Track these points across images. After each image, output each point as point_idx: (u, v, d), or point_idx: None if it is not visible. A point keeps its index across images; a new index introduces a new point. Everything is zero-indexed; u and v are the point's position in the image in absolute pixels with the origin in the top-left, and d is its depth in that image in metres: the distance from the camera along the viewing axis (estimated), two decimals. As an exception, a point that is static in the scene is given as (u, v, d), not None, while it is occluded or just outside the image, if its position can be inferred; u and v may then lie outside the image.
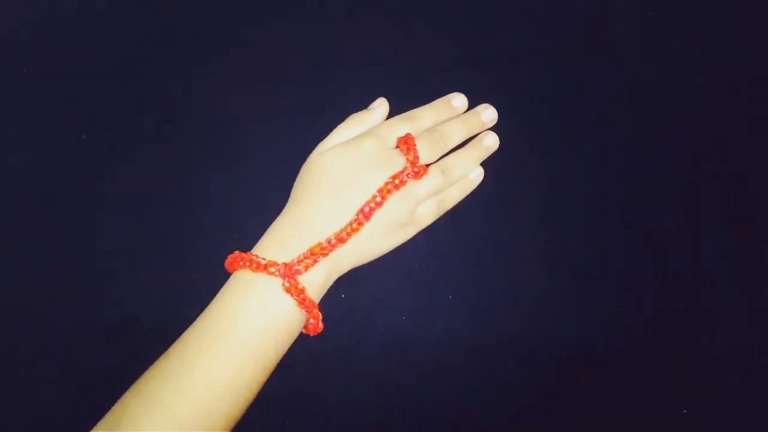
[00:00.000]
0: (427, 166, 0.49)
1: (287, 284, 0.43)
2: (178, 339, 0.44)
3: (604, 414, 0.51)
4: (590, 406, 0.51)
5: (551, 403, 0.52)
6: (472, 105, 0.54)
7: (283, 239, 0.46)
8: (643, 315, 0.53)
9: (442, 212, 0.51)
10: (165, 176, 0.54)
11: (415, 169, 0.47)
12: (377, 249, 0.49)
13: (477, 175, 0.53)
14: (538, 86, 0.56)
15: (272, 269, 0.44)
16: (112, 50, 0.57)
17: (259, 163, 0.54)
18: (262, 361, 0.43)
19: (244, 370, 0.43)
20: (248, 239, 0.48)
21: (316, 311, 0.45)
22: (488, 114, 0.54)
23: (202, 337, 0.43)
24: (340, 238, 0.45)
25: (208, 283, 0.46)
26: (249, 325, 0.43)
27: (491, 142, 0.53)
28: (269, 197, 0.51)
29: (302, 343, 0.47)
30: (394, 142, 0.49)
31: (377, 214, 0.46)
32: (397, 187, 0.47)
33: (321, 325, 0.46)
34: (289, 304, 0.44)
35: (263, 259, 0.44)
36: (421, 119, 0.51)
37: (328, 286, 0.47)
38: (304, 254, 0.44)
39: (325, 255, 0.45)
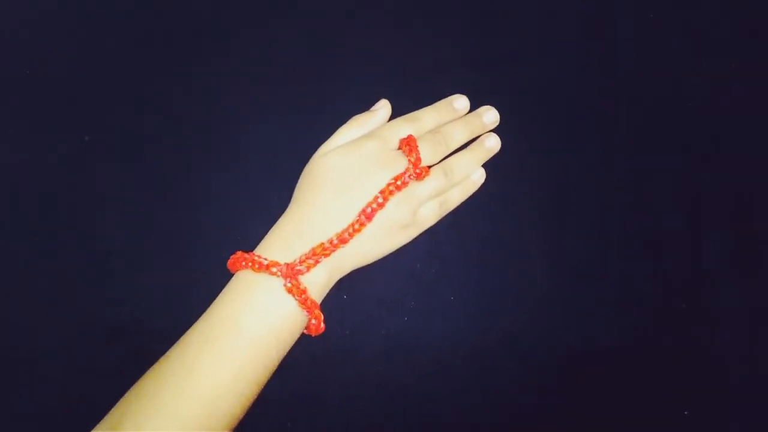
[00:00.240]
0: (429, 167, 0.49)
1: (289, 285, 0.44)
2: (180, 339, 0.44)
3: (605, 414, 0.52)
4: (591, 406, 0.52)
5: (552, 404, 0.52)
6: (473, 106, 0.54)
7: (285, 240, 0.46)
8: (644, 315, 0.53)
9: (444, 213, 0.51)
10: (167, 177, 0.54)
11: (417, 171, 0.47)
12: (379, 250, 0.49)
13: (479, 177, 0.53)
14: (539, 87, 0.56)
15: (274, 269, 0.44)
16: (115, 51, 0.57)
17: (261, 164, 0.55)
18: (264, 362, 0.44)
19: (245, 371, 0.43)
20: (250, 240, 0.48)
21: (317, 312, 0.45)
22: (490, 116, 0.54)
23: (204, 337, 0.43)
24: (342, 239, 0.45)
25: (209, 284, 0.46)
26: (251, 325, 0.43)
27: (493, 144, 0.53)
28: (271, 198, 0.52)
29: (304, 344, 0.47)
30: (396, 143, 0.49)
31: (379, 215, 0.47)
32: (399, 188, 0.47)
33: (323, 325, 0.46)
34: (291, 304, 0.44)
35: (265, 259, 0.44)
36: (423, 121, 0.51)
37: (330, 287, 0.47)
38: (306, 255, 0.44)
39: (327, 255, 0.45)
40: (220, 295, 0.45)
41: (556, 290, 0.53)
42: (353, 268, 0.48)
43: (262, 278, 0.44)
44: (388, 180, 0.47)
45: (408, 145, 0.48)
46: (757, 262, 0.54)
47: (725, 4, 0.58)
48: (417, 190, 0.48)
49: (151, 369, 0.43)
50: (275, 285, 0.44)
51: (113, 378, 0.44)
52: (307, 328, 0.46)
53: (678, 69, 0.57)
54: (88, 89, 0.56)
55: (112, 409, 0.42)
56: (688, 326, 0.53)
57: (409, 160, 0.48)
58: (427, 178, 0.48)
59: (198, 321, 0.44)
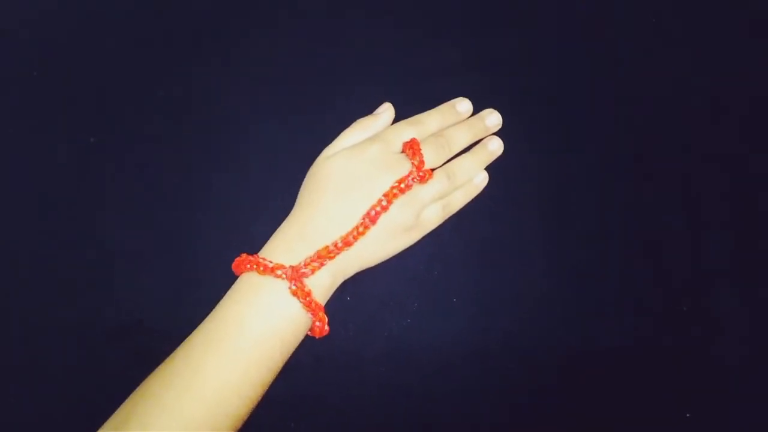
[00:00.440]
0: (433, 170, 0.49)
1: (294, 287, 0.44)
2: (185, 340, 0.44)
3: (605, 414, 0.52)
4: (591, 406, 0.52)
5: (552, 404, 0.52)
6: (476, 109, 0.54)
7: (289, 242, 0.46)
8: (644, 315, 0.53)
9: (447, 216, 0.52)
10: (171, 178, 0.54)
11: (421, 174, 0.48)
12: (383, 252, 0.49)
13: (482, 180, 0.53)
14: (540, 90, 0.57)
15: (279, 272, 0.44)
16: (121, 53, 0.57)
17: (264, 166, 0.55)
18: (268, 363, 0.44)
19: (250, 372, 0.43)
20: (254, 242, 0.48)
21: (322, 314, 0.45)
22: (493, 119, 0.54)
23: (209, 338, 0.43)
24: (347, 242, 0.46)
25: (211, 285, 0.47)
26: (256, 327, 0.43)
27: (496, 147, 0.54)
28: (275, 200, 0.52)
29: (307, 345, 0.47)
30: (399, 146, 0.50)
31: (383, 218, 0.47)
32: (402, 191, 0.47)
33: (327, 327, 0.46)
34: (296, 306, 0.44)
35: (270, 262, 0.45)
36: (426, 124, 0.51)
37: (334, 289, 0.48)
38: (310, 257, 0.45)
39: (331, 258, 0.45)
40: (225, 296, 0.46)
41: (556, 291, 0.53)
42: (357, 271, 0.49)
43: (267, 281, 0.44)
44: (392, 183, 0.47)
45: (411, 148, 0.48)
46: (757, 262, 0.54)
47: (726, 6, 0.59)
48: (420, 193, 0.49)
49: (156, 369, 0.43)
50: (280, 287, 0.44)
51: (114, 379, 0.44)
52: (311, 329, 0.46)
53: (678, 69, 0.57)
54: (94, 91, 0.56)
55: (118, 409, 0.42)
56: (688, 326, 0.53)
57: (412, 163, 0.48)
58: (430, 181, 0.49)
59: (203, 322, 0.45)
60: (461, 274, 0.53)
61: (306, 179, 0.50)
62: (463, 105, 0.54)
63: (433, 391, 0.52)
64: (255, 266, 0.45)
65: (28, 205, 0.54)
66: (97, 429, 0.41)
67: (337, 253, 0.46)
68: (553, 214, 0.55)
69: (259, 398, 0.44)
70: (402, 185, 0.47)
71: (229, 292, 0.46)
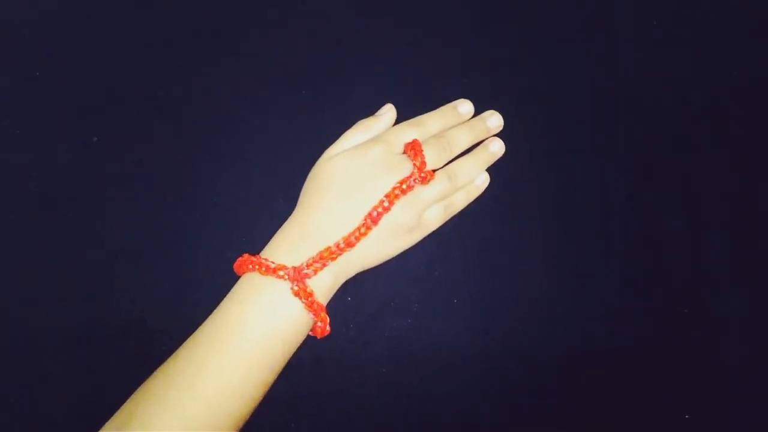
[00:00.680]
0: (434, 171, 0.49)
1: (296, 288, 0.44)
2: (187, 340, 0.44)
3: (605, 414, 0.52)
4: (591, 406, 0.52)
5: (553, 404, 0.52)
6: (478, 111, 0.54)
7: (291, 243, 0.46)
8: (644, 316, 0.53)
9: (448, 217, 0.52)
10: (174, 178, 0.54)
11: (422, 175, 0.48)
12: (384, 253, 0.49)
13: (483, 181, 0.53)
14: (541, 91, 0.57)
15: (281, 273, 0.44)
16: (124, 53, 0.57)
17: (266, 167, 0.55)
18: (270, 363, 0.44)
19: (252, 372, 0.43)
20: (255, 242, 0.48)
21: (323, 314, 0.46)
22: (494, 120, 0.54)
23: (211, 338, 0.44)
24: (349, 243, 0.46)
25: (214, 286, 0.47)
26: (258, 327, 0.43)
27: (497, 148, 0.54)
28: (277, 200, 0.52)
29: (309, 345, 0.47)
30: (401, 147, 0.50)
31: (385, 219, 0.47)
32: (404, 192, 0.47)
33: (328, 328, 0.46)
34: (298, 307, 0.44)
35: (272, 262, 0.45)
36: (427, 125, 0.52)
37: (336, 290, 0.48)
38: (312, 258, 0.45)
39: (333, 259, 0.45)
40: (227, 297, 0.46)
41: (557, 291, 0.53)
42: (358, 271, 0.49)
43: (269, 281, 0.44)
44: (394, 184, 0.47)
45: (413, 149, 0.49)
46: (757, 263, 0.54)
47: (727, 7, 0.59)
48: (422, 193, 0.49)
49: (158, 369, 0.43)
50: (282, 288, 0.44)
51: (115, 379, 0.44)
52: (312, 330, 0.47)
53: (678, 69, 0.58)
54: (95, 91, 0.56)
55: (120, 409, 0.42)
56: (688, 327, 0.53)
57: (414, 164, 0.48)
58: (432, 182, 0.49)
59: (205, 322, 0.45)
60: (462, 275, 0.54)
61: (308, 180, 0.50)
62: (464, 106, 0.54)
63: (433, 391, 0.52)
64: (257, 267, 0.45)
65: (28, 204, 0.54)
66: (99, 429, 0.41)
67: (339, 254, 0.46)
68: (553, 215, 0.55)
69: (261, 398, 0.44)
70: (404, 186, 0.47)
71: (231, 293, 0.46)
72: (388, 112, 0.52)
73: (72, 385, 0.51)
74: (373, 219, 0.46)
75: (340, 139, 0.51)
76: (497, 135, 0.54)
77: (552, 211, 0.55)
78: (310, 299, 0.44)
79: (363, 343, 0.52)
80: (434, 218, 0.50)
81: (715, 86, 0.57)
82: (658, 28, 0.58)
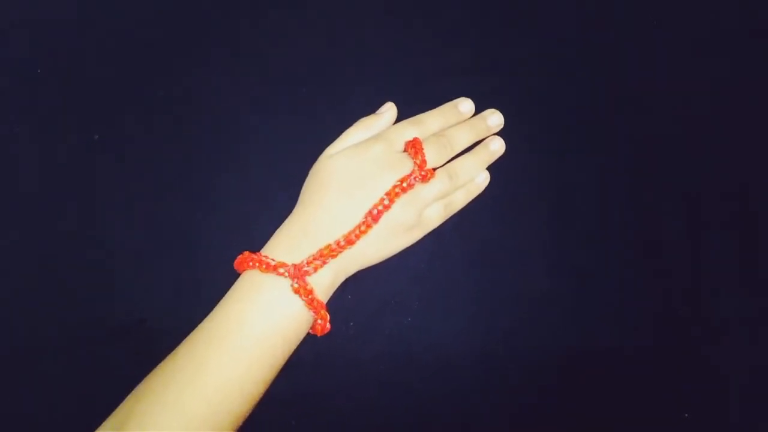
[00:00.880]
0: (435, 169, 0.49)
1: (296, 285, 0.44)
2: (187, 338, 0.44)
3: (604, 415, 0.52)
4: (591, 407, 0.52)
5: (553, 404, 0.52)
6: (478, 109, 0.55)
7: (292, 241, 0.46)
8: (644, 316, 0.53)
9: (448, 215, 0.52)
10: (174, 176, 0.54)
11: (423, 173, 0.48)
12: (384, 251, 0.49)
13: (483, 179, 0.53)
14: (541, 90, 0.57)
15: (281, 270, 0.44)
16: (125, 51, 0.57)
17: (267, 165, 0.55)
18: (269, 361, 0.44)
19: (252, 370, 0.43)
20: (256, 240, 0.48)
21: (323, 312, 0.46)
22: (494, 119, 0.54)
23: (210, 336, 0.43)
24: (349, 240, 0.46)
25: (214, 284, 0.47)
26: (258, 324, 0.43)
27: (497, 147, 0.54)
28: (277, 198, 0.52)
29: (308, 343, 0.47)
30: (402, 146, 0.50)
31: (385, 217, 0.47)
32: (404, 190, 0.47)
33: (328, 325, 0.46)
34: (298, 304, 0.44)
35: (273, 260, 0.45)
36: (428, 124, 0.52)
37: (336, 288, 0.48)
38: (313, 256, 0.45)
39: (333, 257, 0.45)
40: (227, 294, 0.46)
41: (557, 291, 0.54)
42: (358, 269, 0.49)
43: (269, 278, 0.44)
44: (394, 182, 0.47)
45: (413, 147, 0.49)
46: (757, 263, 0.54)
47: (727, 9, 0.59)
48: (422, 192, 0.49)
49: (158, 366, 0.43)
50: (282, 285, 0.44)
51: (115, 378, 0.44)
52: (312, 327, 0.47)
53: (678, 69, 0.58)
54: (97, 90, 0.56)
55: (119, 406, 0.42)
56: (687, 327, 0.53)
57: (414, 163, 0.48)
58: (432, 181, 0.49)
59: (205, 320, 0.45)
60: (462, 274, 0.54)
61: (308, 178, 0.50)
62: (464, 105, 0.54)
63: (433, 390, 0.52)
64: (257, 264, 0.45)
65: (29, 203, 0.54)
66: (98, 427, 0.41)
67: (340, 252, 0.46)
68: (553, 214, 0.55)
69: (261, 396, 0.44)
70: (404, 184, 0.47)
71: (231, 290, 0.46)
72: (389, 110, 0.53)
73: (72, 385, 0.51)
74: (373, 217, 0.46)
75: (340, 137, 0.51)
76: (497, 134, 0.55)
77: (552, 211, 0.55)
78: (310, 297, 0.44)
79: (363, 341, 0.52)
80: (434, 216, 0.51)
81: (715, 86, 0.57)
82: (658, 27, 0.58)
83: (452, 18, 0.58)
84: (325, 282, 0.46)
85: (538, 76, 0.57)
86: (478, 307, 0.53)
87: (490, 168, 0.54)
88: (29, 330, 0.52)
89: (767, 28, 0.59)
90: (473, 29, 0.58)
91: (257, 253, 0.46)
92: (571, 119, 0.57)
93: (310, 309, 0.45)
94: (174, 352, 0.44)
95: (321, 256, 0.45)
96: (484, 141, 0.54)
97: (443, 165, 0.51)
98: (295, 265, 0.44)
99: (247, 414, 0.44)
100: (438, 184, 0.49)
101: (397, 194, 0.47)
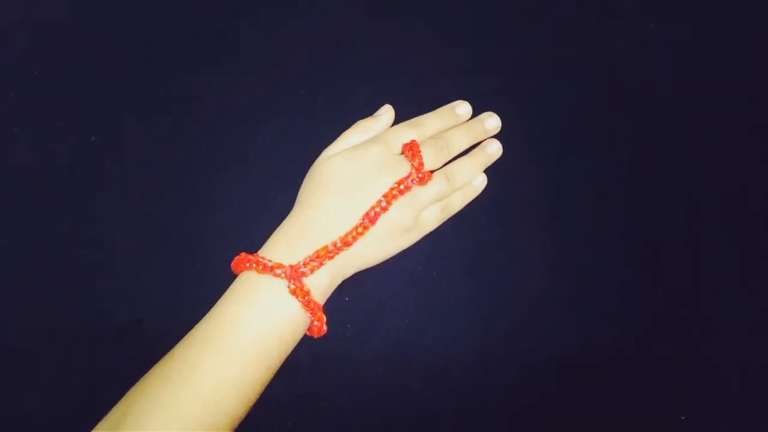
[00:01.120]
0: (432, 172, 0.49)
1: (293, 286, 0.44)
2: (184, 338, 0.44)
3: (604, 415, 0.52)
4: (590, 407, 0.52)
5: (552, 405, 0.52)
6: (477, 111, 0.55)
7: (289, 242, 0.46)
8: (643, 317, 0.53)
9: (446, 218, 0.52)
10: (172, 177, 0.55)
11: (420, 175, 0.48)
12: (382, 253, 0.49)
13: (481, 182, 0.53)
14: (539, 93, 0.57)
15: (278, 271, 0.44)
16: (122, 52, 0.57)
17: (265, 166, 0.55)
18: (266, 362, 0.44)
19: (248, 370, 0.43)
20: (253, 241, 0.48)
21: (320, 313, 0.46)
22: (492, 122, 0.54)
23: (207, 337, 0.43)
24: (346, 242, 0.46)
25: (212, 285, 0.47)
26: (254, 325, 0.43)
27: (495, 150, 0.54)
28: (275, 200, 0.52)
29: (305, 345, 0.47)
30: (399, 148, 0.50)
31: (382, 219, 0.47)
32: (402, 192, 0.47)
33: (325, 327, 0.46)
34: (294, 306, 0.45)
35: (270, 261, 0.45)
36: (426, 126, 0.52)
37: (333, 289, 0.48)
38: (310, 257, 0.45)
39: (330, 258, 0.45)
40: (224, 295, 0.46)
41: (555, 292, 0.53)
42: (356, 271, 0.49)
43: (266, 279, 0.44)
44: (392, 184, 0.47)
45: (411, 150, 0.49)
46: (757, 263, 0.54)
47: (727, 11, 0.59)
48: (420, 194, 0.49)
49: (154, 367, 0.43)
50: (279, 286, 0.44)
51: (114, 378, 0.44)
52: (309, 329, 0.47)
53: (678, 69, 0.57)
54: (95, 90, 0.56)
55: (115, 406, 0.42)
56: (687, 327, 0.53)
57: (412, 165, 0.48)
58: (429, 183, 0.49)
59: (202, 321, 0.45)
60: (460, 275, 0.54)
61: (306, 179, 0.50)
62: (462, 108, 0.54)
63: (430, 392, 0.52)
64: (254, 265, 0.45)
65: (28, 204, 0.54)
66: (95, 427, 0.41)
67: (337, 253, 0.46)
68: (552, 216, 0.55)
69: (257, 397, 0.44)
70: (401, 186, 0.47)
71: (228, 291, 0.46)
72: (387, 112, 0.53)
73: (69, 384, 0.51)
74: (370, 219, 0.46)
75: (338, 139, 0.51)
76: (495, 136, 0.55)
77: (551, 212, 0.55)
78: (306, 298, 0.44)
79: (360, 343, 0.52)
80: (432, 219, 0.51)
81: (715, 86, 0.57)
82: (657, 28, 0.58)
83: (452, 18, 0.58)
84: (322, 283, 0.46)
85: (538, 76, 0.57)
86: (477, 307, 0.53)
87: (490, 168, 0.54)
88: (27, 329, 0.52)
89: (767, 28, 0.58)
90: (473, 29, 0.58)
91: (254, 254, 0.46)
92: (571, 119, 0.56)
93: (306, 310, 0.45)
94: (170, 352, 0.44)
95: (318, 257, 0.45)
96: (482, 144, 0.54)
97: (441, 167, 0.51)
98: (292, 267, 0.44)
99: (244, 415, 0.44)
100: (435, 186, 0.49)
101: (394, 196, 0.47)
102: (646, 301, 0.53)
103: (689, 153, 0.56)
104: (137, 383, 0.43)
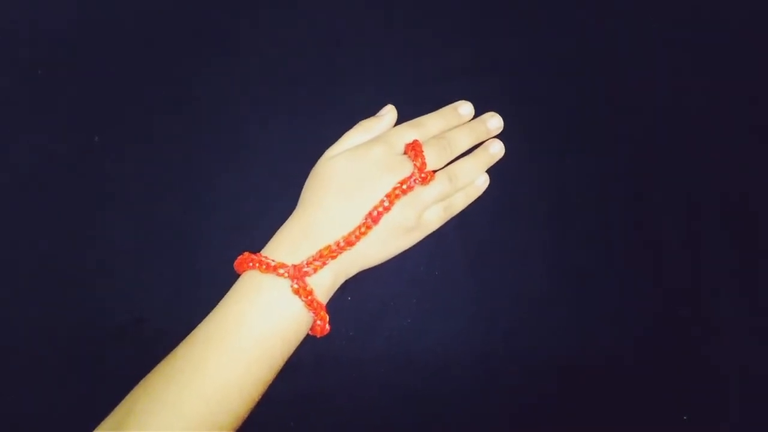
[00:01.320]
0: (434, 172, 0.49)
1: (296, 286, 0.44)
2: (187, 338, 0.44)
3: (604, 416, 0.52)
4: (590, 408, 0.52)
5: (552, 405, 0.52)
6: (478, 111, 0.55)
7: (292, 241, 0.46)
8: (644, 318, 0.53)
9: (448, 218, 0.52)
10: (174, 177, 0.55)
11: (423, 175, 0.48)
12: (384, 253, 0.49)
13: (483, 182, 0.53)
14: (541, 93, 0.57)
15: (281, 271, 0.44)
16: (125, 53, 0.57)
17: (268, 166, 0.55)
18: (269, 362, 0.44)
19: (251, 370, 0.43)
20: (256, 240, 0.48)
21: (323, 313, 0.46)
22: (494, 122, 0.54)
23: (210, 336, 0.43)
24: (349, 242, 0.46)
25: (214, 285, 0.46)
26: (257, 325, 0.43)
27: (497, 150, 0.54)
28: (278, 199, 0.52)
29: (308, 344, 0.47)
30: (402, 148, 0.50)
31: (385, 219, 0.47)
32: (404, 192, 0.47)
33: (328, 326, 0.46)
34: (297, 305, 0.44)
35: (273, 260, 0.45)
36: (428, 126, 0.52)
37: (336, 289, 0.48)
38: (313, 257, 0.45)
39: (333, 258, 0.45)
40: (227, 295, 0.46)
41: (556, 292, 0.54)
42: (358, 271, 0.49)
43: (269, 279, 0.44)
44: (394, 184, 0.47)
45: (413, 150, 0.49)
46: (757, 263, 0.54)
47: (727, 11, 0.59)
48: (422, 194, 0.49)
49: (157, 366, 0.43)
50: (282, 286, 0.44)
51: (114, 378, 0.44)
52: (312, 328, 0.47)
53: (678, 70, 0.58)
54: (98, 90, 0.56)
55: (118, 406, 0.42)
56: (687, 327, 0.53)
57: (414, 165, 0.48)
58: (432, 183, 0.49)
59: (204, 320, 0.45)
60: (462, 275, 0.54)
61: (309, 179, 0.50)
62: (464, 108, 0.54)
63: (432, 392, 0.52)
64: (257, 264, 0.45)
65: (29, 204, 0.54)
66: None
67: (339, 253, 0.46)
68: (553, 216, 0.55)
69: (260, 397, 0.44)
70: (404, 186, 0.47)
71: (231, 291, 0.46)
72: (389, 112, 0.53)
73: (70, 385, 0.51)
74: (373, 218, 0.46)
75: (341, 139, 0.51)
76: (497, 136, 0.55)
77: (552, 212, 0.55)
78: (309, 297, 0.44)
79: (362, 342, 0.52)
80: (434, 219, 0.51)
81: (715, 86, 0.57)
82: (657, 28, 0.58)
83: (452, 18, 0.58)
84: (325, 283, 0.46)
85: (538, 76, 0.57)
86: (477, 307, 0.53)
87: (490, 168, 0.54)
88: (27, 329, 0.52)
89: (767, 28, 0.59)
90: (473, 31, 0.58)
91: (257, 254, 0.46)
92: (571, 119, 0.57)
93: (309, 310, 0.45)
94: (173, 352, 0.43)
95: (321, 257, 0.45)
96: (484, 144, 0.54)
97: (443, 167, 0.51)
98: (295, 266, 0.44)
99: (246, 414, 0.44)
100: (438, 186, 0.49)
101: (397, 196, 0.47)
102: (646, 301, 0.54)
103: (689, 153, 0.56)
104: (140, 382, 0.43)
